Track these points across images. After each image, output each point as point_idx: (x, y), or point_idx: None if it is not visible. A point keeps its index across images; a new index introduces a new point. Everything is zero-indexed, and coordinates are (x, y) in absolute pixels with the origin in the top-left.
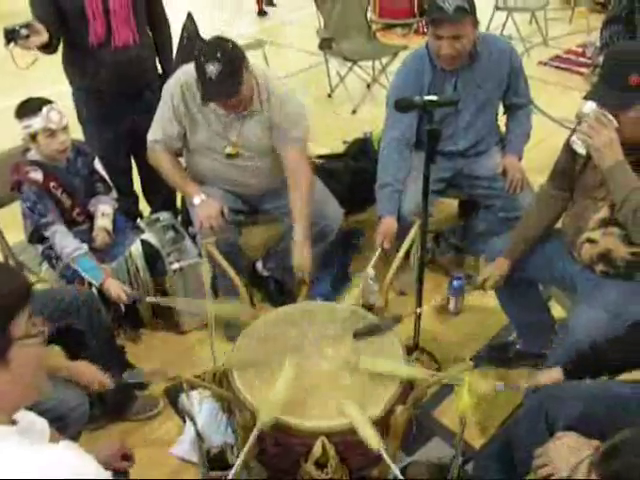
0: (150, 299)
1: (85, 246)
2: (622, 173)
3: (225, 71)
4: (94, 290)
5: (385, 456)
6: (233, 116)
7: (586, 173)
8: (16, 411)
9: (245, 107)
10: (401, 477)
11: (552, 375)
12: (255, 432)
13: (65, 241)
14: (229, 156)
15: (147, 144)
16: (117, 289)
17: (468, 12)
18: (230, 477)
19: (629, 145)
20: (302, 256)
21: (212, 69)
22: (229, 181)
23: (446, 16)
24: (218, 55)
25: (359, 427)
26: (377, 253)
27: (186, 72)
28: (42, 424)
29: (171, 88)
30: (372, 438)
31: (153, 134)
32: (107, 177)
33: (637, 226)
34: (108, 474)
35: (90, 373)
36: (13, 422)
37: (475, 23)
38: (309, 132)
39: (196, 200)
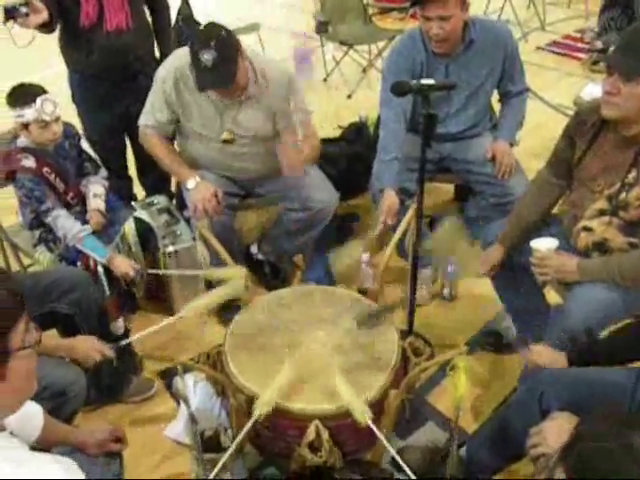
0: (152, 271)
1: (88, 227)
2: (591, 272)
3: (220, 59)
4: (100, 269)
5: (375, 429)
6: (228, 102)
7: (584, 163)
8: (6, 417)
9: (240, 93)
10: (396, 455)
11: (556, 361)
12: (251, 421)
13: (68, 224)
14: (225, 142)
15: (139, 129)
16: (124, 265)
17: None
18: (223, 460)
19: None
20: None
21: (207, 57)
22: (224, 166)
23: None
24: (212, 43)
25: (347, 400)
26: (378, 228)
27: (179, 57)
28: (35, 413)
29: (163, 74)
30: (359, 411)
31: (144, 119)
32: (95, 155)
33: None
34: None
35: (89, 346)
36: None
37: (463, 4)
38: (308, 110)
39: (190, 183)
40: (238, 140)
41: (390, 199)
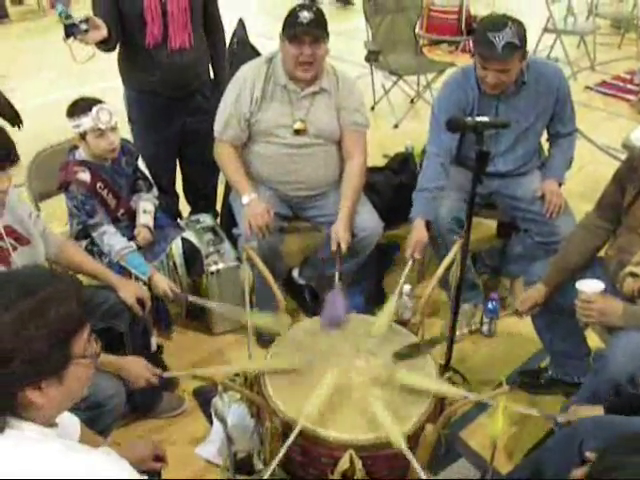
0: (192, 298)
1: (133, 244)
2: (637, 318)
3: (316, 19)
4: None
5: (410, 457)
6: (303, 95)
7: (634, 209)
8: (54, 418)
9: (315, 76)
10: None
11: (593, 412)
12: (290, 438)
13: (113, 241)
14: (297, 132)
15: (214, 135)
16: (164, 284)
17: (518, 47)
18: None
19: None
20: (342, 225)
21: (305, 15)
22: (284, 173)
23: (495, 54)
24: (313, 9)
25: (386, 426)
26: (408, 265)
27: (260, 60)
28: (73, 424)
29: (248, 74)
30: (396, 437)
31: (219, 125)
32: (148, 175)
33: None
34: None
35: (140, 369)
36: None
37: (524, 55)
38: (369, 121)
39: (245, 199)
40: (309, 132)
41: (418, 232)
